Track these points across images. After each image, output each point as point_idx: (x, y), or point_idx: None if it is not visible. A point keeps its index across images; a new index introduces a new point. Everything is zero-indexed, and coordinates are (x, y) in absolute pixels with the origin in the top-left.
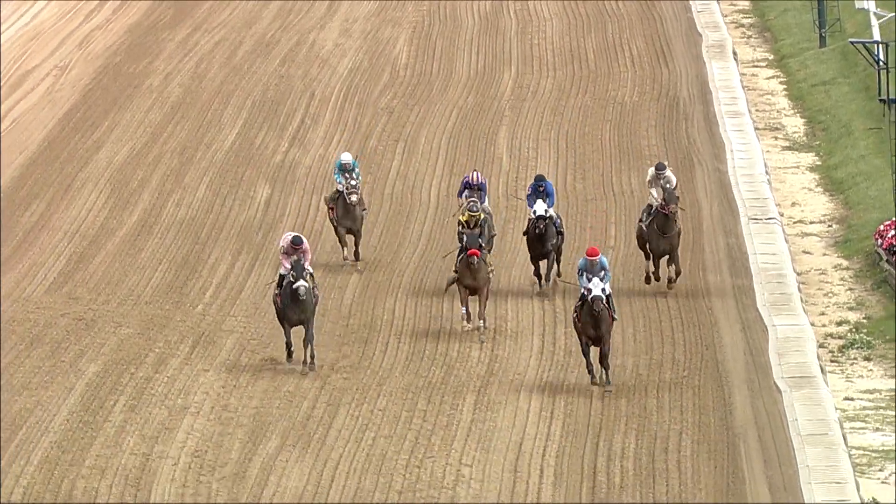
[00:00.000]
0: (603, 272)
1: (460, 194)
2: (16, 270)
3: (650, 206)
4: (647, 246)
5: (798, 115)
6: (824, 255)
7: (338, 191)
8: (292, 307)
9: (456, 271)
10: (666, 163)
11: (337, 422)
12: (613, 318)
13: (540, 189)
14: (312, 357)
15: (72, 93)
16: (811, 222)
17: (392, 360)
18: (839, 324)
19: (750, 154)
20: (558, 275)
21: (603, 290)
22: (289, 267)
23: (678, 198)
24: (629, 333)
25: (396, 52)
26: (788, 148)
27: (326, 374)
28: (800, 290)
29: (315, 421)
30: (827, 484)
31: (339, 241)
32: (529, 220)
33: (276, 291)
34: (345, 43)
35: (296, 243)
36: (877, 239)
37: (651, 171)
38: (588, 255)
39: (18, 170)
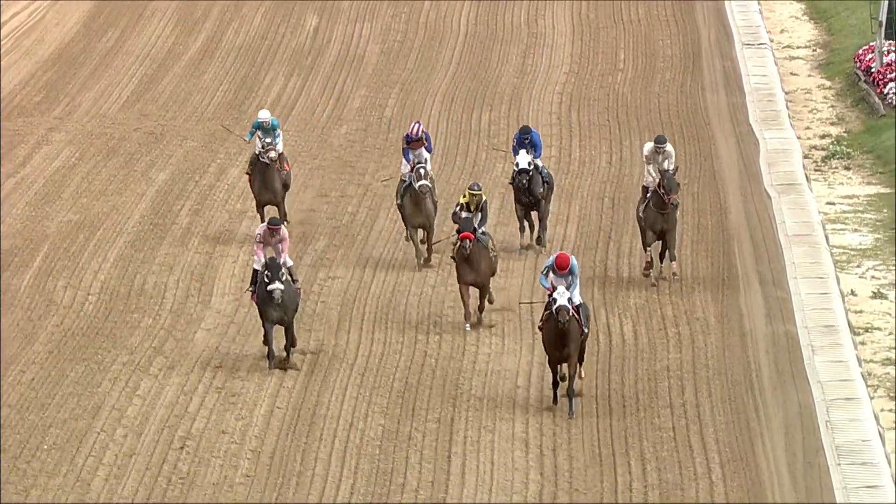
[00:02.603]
0: (571, 277)
1: (405, 153)
2: (93, 90)
3: (646, 188)
4: (643, 225)
5: None
6: (809, 76)
7: (255, 154)
8: (271, 306)
9: (454, 259)
10: (665, 136)
11: (377, 224)
12: (584, 332)
13: (525, 140)
14: (292, 364)
15: None
16: (798, 47)
17: None
18: (822, 137)
19: None
20: (541, 235)
21: (570, 299)
22: (263, 262)
23: (679, 185)
24: (636, 146)
25: None
26: None
27: (368, 183)
28: (787, 107)
29: (358, 224)
30: (811, 279)
31: (257, 210)
32: (514, 171)
33: (252, 289)
34: None
35: (273, 224)
36: (856, 62)
37: (649, 145)
38: (558, 265)
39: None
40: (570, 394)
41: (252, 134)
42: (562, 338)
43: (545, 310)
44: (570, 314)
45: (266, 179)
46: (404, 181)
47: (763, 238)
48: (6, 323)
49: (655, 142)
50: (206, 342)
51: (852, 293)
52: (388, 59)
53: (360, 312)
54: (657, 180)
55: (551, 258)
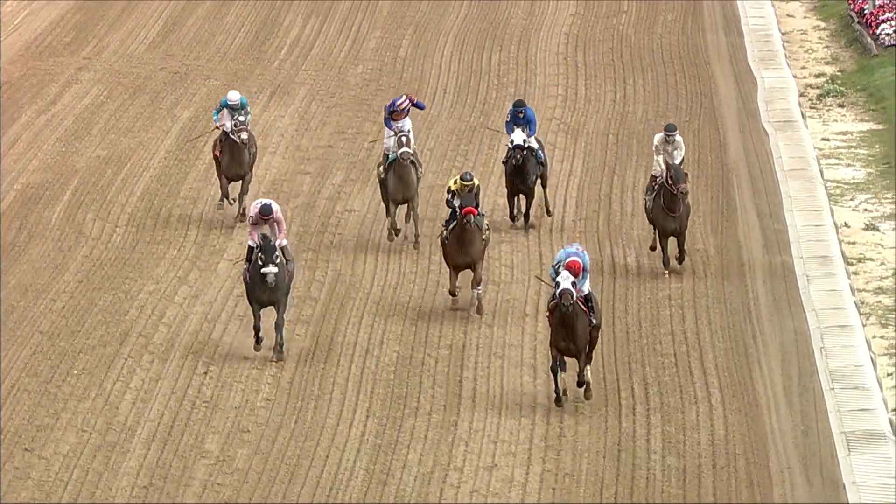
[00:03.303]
0: (582, 273)
1: (387, 122)
2: (121, 31)
3: (654, 177)
4: (652, 221)
5: None
6: (805, 17)
7: (224, 132)
8: (262, 287)
9: (445, 241)
10: (675, 124)
11: None
12: (592, 322)
13: (519, 115)
14: (281, 345)
15: None
16: None
17: (439, 106)
18: (817, 76)
19: None
20: (548, 213)
21: (574, 283)
22: (258, 242)
23: (687, 175)
24: (639, 85)
25: None
26: None
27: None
28: (784, 47)
29: (374, 160)
30: (806, 211)
31: (221, 188)
32: (508, 148)
33: (245, 266)
34: None
35: (265, 213)
36: (850, 4)
37: (658, 136)
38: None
39: None
40: (583, 387)
41: (218, 112)
42: (568, 324)
43: (552, 298)
44: (574, 298)
45: (234, 155)
46: (387, 155)
47: (761, 173)
48: (38, 253)
49: (665, 130)
50: (228, 272)
51: (846, 225)
52: (402, 1)
53: (376, 244)
54: (664, 171)
55: (562, 254)
